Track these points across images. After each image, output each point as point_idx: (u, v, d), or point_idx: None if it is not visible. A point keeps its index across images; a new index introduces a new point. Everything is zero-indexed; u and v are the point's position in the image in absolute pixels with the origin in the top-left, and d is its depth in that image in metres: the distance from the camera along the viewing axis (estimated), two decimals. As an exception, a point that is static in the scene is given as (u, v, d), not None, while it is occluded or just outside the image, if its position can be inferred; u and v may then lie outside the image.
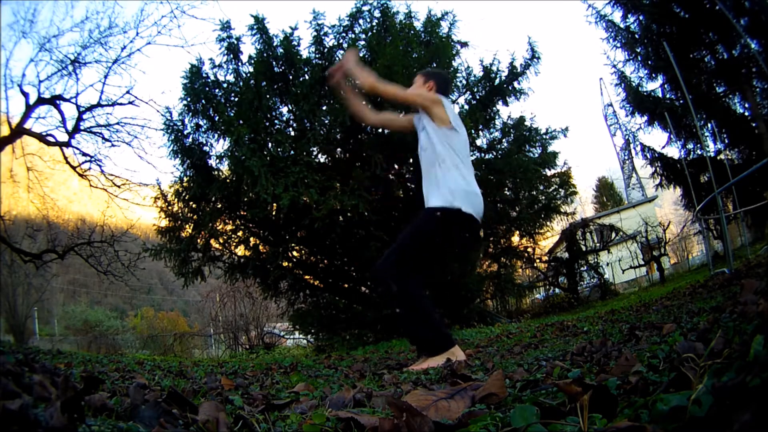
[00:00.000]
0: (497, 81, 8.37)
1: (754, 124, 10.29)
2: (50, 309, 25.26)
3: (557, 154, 8.65)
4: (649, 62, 11.19)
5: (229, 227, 8.37)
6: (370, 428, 0.78)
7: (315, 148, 7.31)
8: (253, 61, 7.48)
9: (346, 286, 8.78)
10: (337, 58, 7.40)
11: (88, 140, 10.87)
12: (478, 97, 8.44)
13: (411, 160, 8.25)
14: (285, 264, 8.31)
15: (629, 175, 23.84)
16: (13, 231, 11.23)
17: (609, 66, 11.68)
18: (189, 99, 7.65)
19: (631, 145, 13.09)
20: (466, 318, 7.84)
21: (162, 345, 14.63)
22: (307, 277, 8.69)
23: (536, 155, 8.53)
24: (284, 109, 7.97)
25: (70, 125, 9.83)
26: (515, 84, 8.45)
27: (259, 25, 7.37)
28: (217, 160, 7.95)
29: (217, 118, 7.44)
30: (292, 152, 6.95)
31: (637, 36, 11.31)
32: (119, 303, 30.53)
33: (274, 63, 7.42)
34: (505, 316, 9.51)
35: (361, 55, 7.12)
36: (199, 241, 7.86)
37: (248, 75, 7.59)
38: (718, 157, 10.66)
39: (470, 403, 0.90)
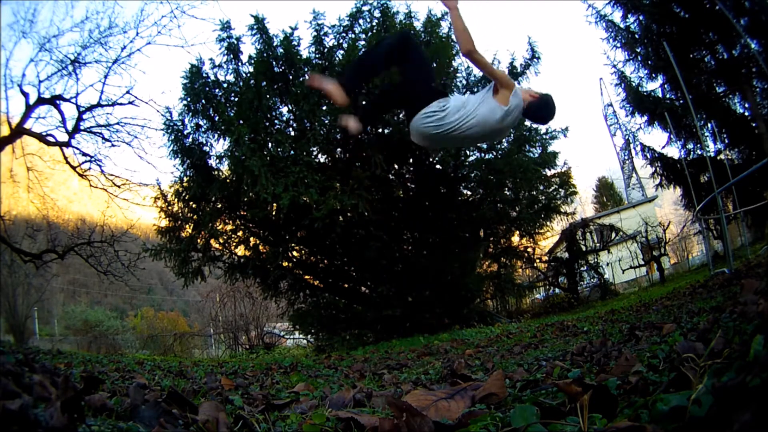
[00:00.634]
0: (497, 81, 8.37)
1: (754, 124, 10.29)
2: (50, 309, 25.24)
3: (557, 154, 8.67)
4: (649, 62, 11.18)
5: (229, 227, 8.37)
6: (370, 428, 0.78)
7: (315, 148, 7.31)
8: (253, 61, 7.48)
9: (346, 286, 8.78)
10: (337, 58, 7.40)
11: (88, 140, 10.87)
12: (478, 97, 8.43)
13: (411, 160, 8.25)
14: (285, 264, 8.31)
15: (629, 175, 23.82)
16: (13, 231, 11.23)
17: (609, 66, 11.69)
18: (189, 99, 7.65)
19: (631, 145, 13.08)
20: (466, 318, 7.84)
21: (162, 345, 14.62)
22: (307, 277, 8.70)
23: (536, 155, 8.54)
24: (284, 109, 7.97)
25: (70, 125, 9.82)
26: (515, 84, 8.46)
27: (259, 25, 7.37)
28: (217, 160, 7.96)
29: (217, 118, 7.44)
30: (292, 152, 6.95)
31: (637, 36, 11.30)
32: (119, 303, 30.51)
33: (274, 63, 7.42)
34: (505, 316, 9.50)
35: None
36: (199, 241, 7.86)
37: (248, 75, 7.59)
38: (718, 157, 10.65)
39: (470, 403, 0.90)
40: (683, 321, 1.76)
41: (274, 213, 7.38)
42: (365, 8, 7.55)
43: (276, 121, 7.83)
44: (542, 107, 2.68)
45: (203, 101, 7.66)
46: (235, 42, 7.59)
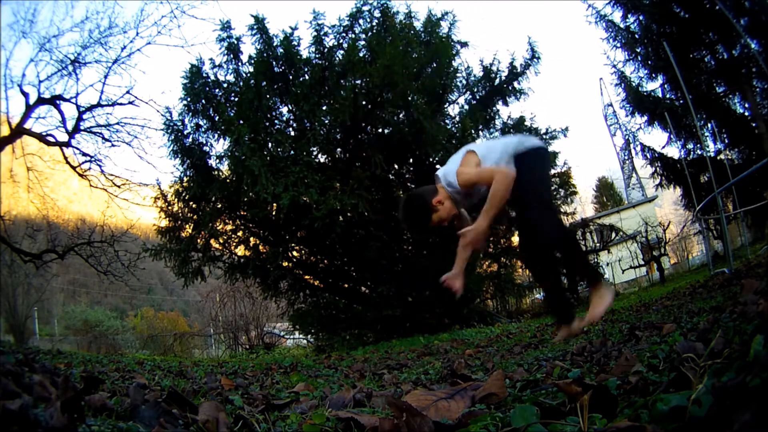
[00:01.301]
0: (497, 81, 8.38)
1: (754, 124, 10.28)
2: (50, 309, 25.26)
3: (557, 154, 8.67)
4: (649, 62, 11.18)
5: (229, 227, 8.37)
6: (370, 428, 0.78)
7: (315, 148, 7.31)
8: (253, 61, 7.49)
9: (346, 286, 8.78)
10: (337, 59, 7.39)
11: (88, 140, 10.89)
12: (478, 97, 8.45)
13: (411, 160, 8.25)
14: (285, 264, 8.32)
15: (629, 175, 23.81)
16: (13, 231, 11.23)
17: (609, 66, 11.68)
18: (189, 99, 7.66)
19: (631, 145, 13.07)
20: (466, 318, 7.84)
21: (162, 345, 14.63)
22: (307, 277, 8.70)
23: (536, 155, 8.53)
24: (284, 109, 7.98)
25: (70, 125, 9.84)
26: (515, 84, 8.46)
27: (259, 25, 7.38)
28: (217, 160, 7.96)
29: (217, 118, 7.44)
30: (292, 152, 6.96)
31: (637, 36, 11.29)
32: (119, 303, 30.53)
33: (274, 63, 7.42)
34: (505, 316, 9.50)
35: (361, 55, 7.12)
36: (199, 241, 7.87)
37: (248, 75, 7.59)
38: (718, 157, 10.65)
39: (470, 403, 0.90)
40: (683, 321, 1.76)
41: (274, 213, 7.38)
42: (365, 8, 7.55)
43: (276, 121, 7.83)
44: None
45: (203, 101, 7.67)
46: (235, 42, 7.60)
